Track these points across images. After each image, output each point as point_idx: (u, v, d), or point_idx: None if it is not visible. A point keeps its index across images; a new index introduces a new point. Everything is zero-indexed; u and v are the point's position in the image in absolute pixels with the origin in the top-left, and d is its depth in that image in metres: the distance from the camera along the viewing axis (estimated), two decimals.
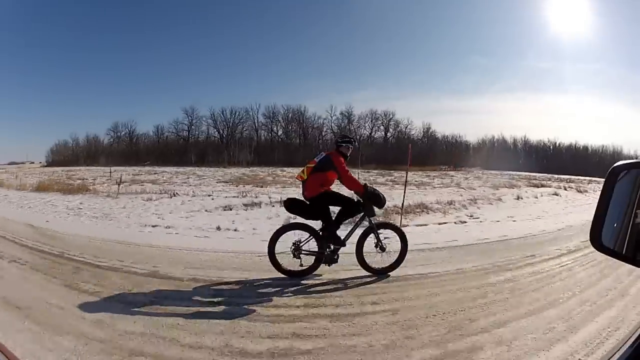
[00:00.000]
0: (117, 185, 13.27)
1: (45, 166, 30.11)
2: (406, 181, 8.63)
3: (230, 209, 9.28)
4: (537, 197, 12.95)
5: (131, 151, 31.34)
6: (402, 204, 7.83)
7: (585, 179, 22.20)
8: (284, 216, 7.45)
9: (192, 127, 32.45)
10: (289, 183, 15.91)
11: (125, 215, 8.97)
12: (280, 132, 33.00)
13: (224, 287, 4.06)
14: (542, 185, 16.99)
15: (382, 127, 33.00)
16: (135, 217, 8.73)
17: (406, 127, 32.73)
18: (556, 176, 24.21)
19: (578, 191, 15.49)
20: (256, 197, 11.17)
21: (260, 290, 3.97)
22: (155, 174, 22.23)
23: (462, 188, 15.80)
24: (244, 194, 12.18)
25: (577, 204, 12.01)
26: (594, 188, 16.97)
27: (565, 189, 15.80)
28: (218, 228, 7.35)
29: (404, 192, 8.01)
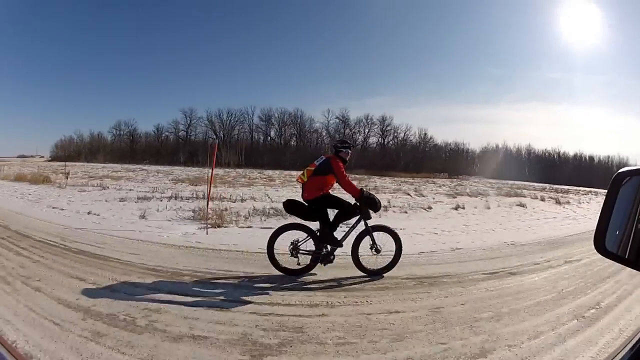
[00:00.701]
0: (66, 179, 15.37)
1: (49, 160, 30.32)
2: (210, 181, 7.59)
3: (125, 200, 10.62)
4: (488, 208, 11.95)
5: (128, 149, 31.43)
6: (208, 202, 7.44)
7: (584, 190, 21.76)
8: (140, 205, 9.40)
9: (190, 127, 32.50)
10: (241, 183, 16.61)
11: (52, 199, 10.58)
12: (273, 135, 33.00)
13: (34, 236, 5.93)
14: (516, 195, 16.61)
15: (378, 133, 32.96)
16: (54, 201, 10.34)
17: (404, 134, 32.75)
18: (555, 186, 24.03)
19: (557, 202, 14.61)
20: (163, 192, 12.74)
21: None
22: (132, 171, 23.05)
23: (410, 195, 15.39)
24: (164, 190, 13.50)
25: (533, 217, 10.57)
26: (583, 199, 16.76)
27: (543, 200, 15.16)
28: (83, 212, 8.63)
29: (208, 190, 7.58)
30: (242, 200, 11.23)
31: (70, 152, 31.62)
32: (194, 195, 11.64)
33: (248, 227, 7.36)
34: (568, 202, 15.07)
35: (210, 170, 7.51)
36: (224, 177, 21.04)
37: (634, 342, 0.91)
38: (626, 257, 1.02)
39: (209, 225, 7.02)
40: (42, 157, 32.31)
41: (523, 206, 12.86)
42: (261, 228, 7.11)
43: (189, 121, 32.74)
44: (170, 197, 11.38)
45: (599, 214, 1.05)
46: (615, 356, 0.94)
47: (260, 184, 17.82)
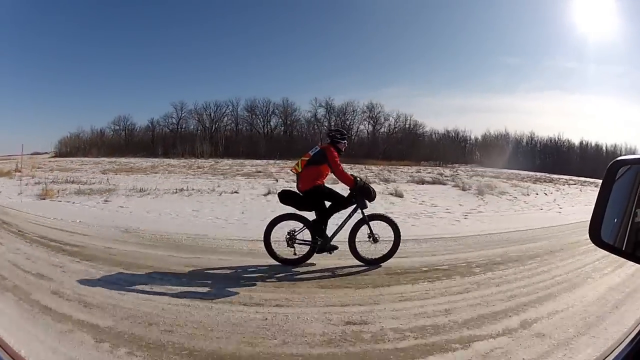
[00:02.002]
0: (16, 172, 16.16)
1: (53, 157, 30.76)
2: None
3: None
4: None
5: (124, 143, 31.90)
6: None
7: (576, 180, 20.26)
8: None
9: (181, 120, 32.78)
10: (184, 172, 16.57)
11: None
12: (260, 125, 33.20)
13: None
14: (488, 186, 13.67)
15: (366, 120, 32.70)
16: None
17: (395, 121, 32.42)
18: (552, 176, 23.36)
19: (525, 194, 12.17)
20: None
21: None
22: (96, 164, 22.78)
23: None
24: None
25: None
26: (552, 189, 14.42)
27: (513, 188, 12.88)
28: None
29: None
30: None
31: (72, 148, 32.31)
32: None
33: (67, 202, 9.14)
34: (528, 194, 12.35)
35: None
36: (157, 166, 20.66)
37: (633, 335, 0.90)
38: (623, 249, 1.00)
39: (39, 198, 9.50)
40: (47, 153, 32.75)
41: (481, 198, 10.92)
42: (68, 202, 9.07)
43: (180, 114, 32.87)
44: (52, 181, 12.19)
45: (593, 205, 1.01)
46: (615, 349, 0.93)
47: (176, 172, 17.14)
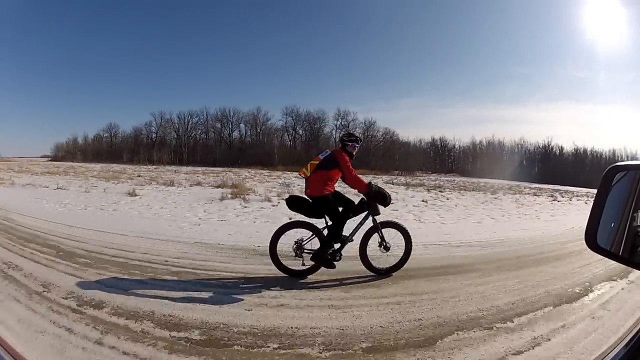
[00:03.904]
0: None
1: (49, 160, 32.81)
2: None
3: None
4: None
5: (108, 149, 34.12)
6: None
7: (562, 190, 19.04)
8: None
9: (160, 129, 34.77)
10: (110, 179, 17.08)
11: None
12: (228, 134, 34.31)
13: None
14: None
15: (338, 129, 32.81)
16: None
17: (367, 129, 32.17)
18: (536, 185, 21.05)
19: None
20: None
21: None
22: (57, 167, 24.56)
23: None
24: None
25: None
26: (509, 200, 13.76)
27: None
28: None
29: None
30: None
31: (65, 153, 34.13)
32: None
33: None
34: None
35: None
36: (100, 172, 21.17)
37: (627, 339, 0.91)
38: (620, 254, 1.01)
39: None
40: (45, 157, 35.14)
41: None
42: None
43: (160, 122, 35.04)
44: None
45: (590, 210, 1.03)
46: (610, 353, 0.94)
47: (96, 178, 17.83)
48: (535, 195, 16.34)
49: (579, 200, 15.01)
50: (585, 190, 18.99)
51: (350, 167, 4.33)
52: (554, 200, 14.67)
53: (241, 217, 8.31)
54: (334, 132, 32.61)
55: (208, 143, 33.69)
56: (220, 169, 24.36)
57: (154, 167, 26.98)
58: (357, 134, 4.82)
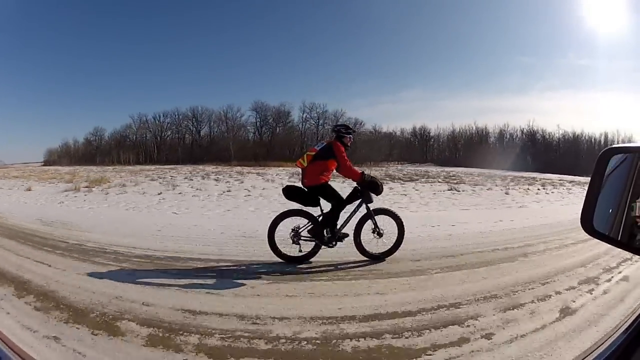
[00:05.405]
0: None
1: (42, 165, 32.73)
2: None
3: None
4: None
5: (92, 152, 34.36)
6: None
7: (551, 179, 16.63)
8: None
9: (138, 130, 34.84)
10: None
11: None
12: (203, 133, 34.46)
13: None
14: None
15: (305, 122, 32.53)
16: None
17: (337, 120, 32.00)
18: (528, 174, 19.17)
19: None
20: None
21: None
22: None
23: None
24: None
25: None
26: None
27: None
28: None
29: None
30: None
31: (56, 157, 34.79)
32: None
33: None
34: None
35: None
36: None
37: (627, 324, 0.91)
38: (618, 238, 0.99)
39: None
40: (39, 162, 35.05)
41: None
42: None
43: (139, 125, 35.20)
44: None
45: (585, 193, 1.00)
46: (609, 339, 0.93)
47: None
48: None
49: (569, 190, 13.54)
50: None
51: (346, 157, 4.50)
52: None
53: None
54: (300, 125, 32.16)
55: (172, 143, 33.75)
56: (181, 166, 24.20)
57: (112, 167, 26.94)
58: (350, 125, 4.92)
